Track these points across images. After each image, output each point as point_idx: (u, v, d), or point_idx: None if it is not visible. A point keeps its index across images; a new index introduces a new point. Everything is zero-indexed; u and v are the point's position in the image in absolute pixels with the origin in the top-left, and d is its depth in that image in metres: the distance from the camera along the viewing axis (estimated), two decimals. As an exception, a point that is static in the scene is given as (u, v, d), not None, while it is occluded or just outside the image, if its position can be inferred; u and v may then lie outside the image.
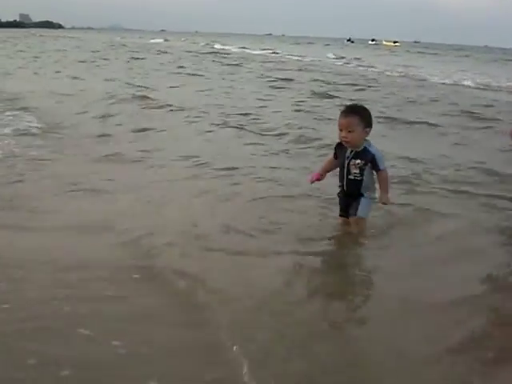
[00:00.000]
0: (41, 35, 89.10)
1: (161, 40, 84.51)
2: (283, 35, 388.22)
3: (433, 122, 12.34)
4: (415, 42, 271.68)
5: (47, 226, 5.23)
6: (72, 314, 3.54)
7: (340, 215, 5.31)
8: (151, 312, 3.64)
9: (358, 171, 4.98)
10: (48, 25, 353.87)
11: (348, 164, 5.01)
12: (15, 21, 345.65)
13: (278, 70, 28.58)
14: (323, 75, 26.04)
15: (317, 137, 10.02)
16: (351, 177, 5.03)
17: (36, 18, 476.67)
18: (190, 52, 47.09)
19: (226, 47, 61.04)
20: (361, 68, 34.29)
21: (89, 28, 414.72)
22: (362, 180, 5.00)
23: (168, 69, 28.00)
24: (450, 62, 48.35)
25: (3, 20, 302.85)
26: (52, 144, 9.12)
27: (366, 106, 5.13)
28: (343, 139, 4.92)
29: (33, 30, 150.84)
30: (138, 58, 35.04)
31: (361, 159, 4.94)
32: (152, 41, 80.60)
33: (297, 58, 43.90)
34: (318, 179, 5.30)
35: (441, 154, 8.94)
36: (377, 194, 5.08)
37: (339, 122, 4.93)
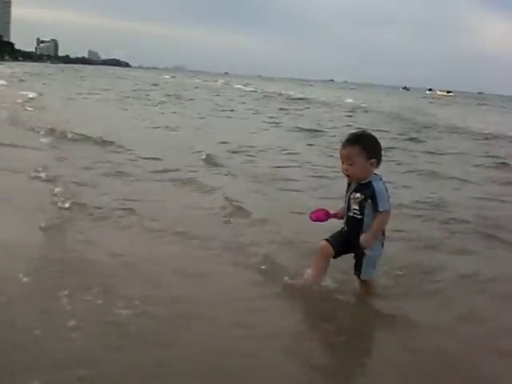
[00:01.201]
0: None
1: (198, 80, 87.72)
2: (346, 81, 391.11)
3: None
4: (479, 92, 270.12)
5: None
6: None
7: (325, 239, 4.45)
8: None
9: (357, 207, 4.33)
10: (115, 63, 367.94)
11: (349, 198, 4.41)
12: (84, 57, 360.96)
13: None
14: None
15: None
16: (351, 214, 4.39)
17: (104, 55, 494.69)
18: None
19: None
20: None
21: (154, 67, 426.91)
22: (362, 219, 4.32)
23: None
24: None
25: (72, 56, 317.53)
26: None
27: (371, 133, 4.60)
28: (344, 172, 4.37)
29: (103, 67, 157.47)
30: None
31: (361, 193, 4.30)
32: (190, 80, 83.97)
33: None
34: (323, 218, 4.63)
35: None
36: (381, 246, 4.42)
37: (340, 154, 4.39)
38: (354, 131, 4.73)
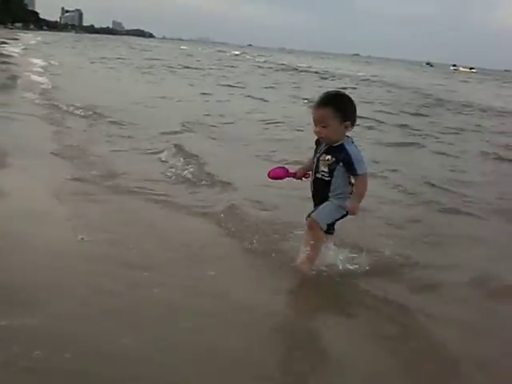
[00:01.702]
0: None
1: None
2: (370, 56, 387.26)
3: None
4: (506, 70, 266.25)
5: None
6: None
7: (308, 215, 4.31)
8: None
9: (326, 169, 4.15)
10: (139, 33, 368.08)
11: (318, 159, 4.24)
12: (108, 27, 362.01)
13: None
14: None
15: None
16: (318, 175, 4.22)
17: (128, 26, 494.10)
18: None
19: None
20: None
21: (178, 39, 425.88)
22: (329, 182, 4.17)
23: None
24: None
25: (97, 26, 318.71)
26: None
27: (346, 94, 4.38)
28: (317, 134, 4.19)
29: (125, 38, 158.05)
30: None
31: (332, 155, 4.13)
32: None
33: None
34: (282, 176, 4.47)
35: None
36: (344, 202, 4.19)
37: (312, 116, 4.20)
38: (328, 91, 4.42)
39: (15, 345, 2.82)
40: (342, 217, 4.26)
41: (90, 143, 8.43)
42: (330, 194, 4.19)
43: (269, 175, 4.47)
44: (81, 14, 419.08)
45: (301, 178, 4.49)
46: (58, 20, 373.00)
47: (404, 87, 32.38)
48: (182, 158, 7.70)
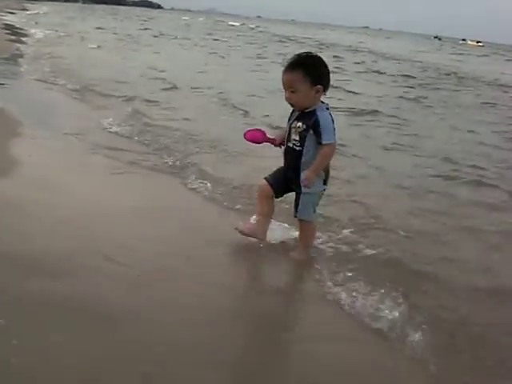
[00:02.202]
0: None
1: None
2: (381, 29, 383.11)
3: None
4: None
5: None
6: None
7: (265, 178, 4.14)
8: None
9: (297, 138, 3.89)
10: (147, 4, 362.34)
11: (290, 126, 3.99)
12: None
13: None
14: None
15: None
16: (290, 144, 3.97)
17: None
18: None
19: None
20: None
21: (187, 10, 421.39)
22: (300, 152, 3.90)
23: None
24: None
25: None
26: None
27: (317, 55, 4.04)
28: (287, 100, 3.93)
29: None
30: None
31: (303, 122, 3.87)
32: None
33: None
34: (259, 140, 4.22)
35: None
36: (323, 184, 4.01)
37: (282, 81, 3.93)
38: (298, 53, 4.03)
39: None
40: (320, 197, 4.11)
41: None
42: (302, 167, 3.91)
43: (245, 136, 4.21)
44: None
45: (280, 146, 4.17)
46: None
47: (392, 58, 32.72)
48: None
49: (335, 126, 3.92)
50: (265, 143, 4.25)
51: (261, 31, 60.41)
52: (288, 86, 3.87)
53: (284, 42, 40.05)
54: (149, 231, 4.17)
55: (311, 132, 3.84)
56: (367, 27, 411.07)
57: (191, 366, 2.67)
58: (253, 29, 66.69)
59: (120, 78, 12.69)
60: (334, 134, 3.88)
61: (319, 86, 3.85)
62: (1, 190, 4.45)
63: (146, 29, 39.19)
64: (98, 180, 5.32)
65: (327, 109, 3.93)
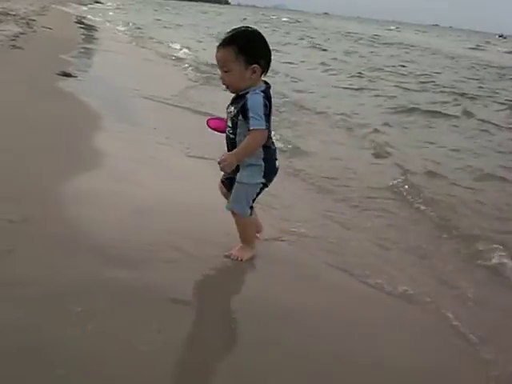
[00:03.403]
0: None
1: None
2: (451, 27, 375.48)
3: None
4: None
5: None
6: None
7: (221, 180, 3.78)
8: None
9: (230, 125, 3.50)
10: (216, 0, 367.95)
11: (227, 112, 3.58)
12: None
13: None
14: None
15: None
16: (227, 131, 3.56)
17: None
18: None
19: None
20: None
21: (253, 6, 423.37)
22: (234, 140, 3.48)
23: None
24: None
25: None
26: None
27: (254, 30, 3.53)
28: (222, 81, 3.51)
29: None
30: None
31: (235, 106, 3.46)
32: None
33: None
34: (223, 129, 3.67)
35: None
36: (262, 176, 3.53)
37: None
38: (234, 28, 3.56)
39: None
40: (261, 190, 3.60)
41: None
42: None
43: (208, 124, 3.79)
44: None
45: None
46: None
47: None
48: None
49: (270, 111, 3.42)
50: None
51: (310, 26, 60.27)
52: (221, 65, 3.43)
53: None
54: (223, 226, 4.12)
55: (241, 117, 3.39)
56: (437, 25, 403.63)
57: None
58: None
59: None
60: (265, 120, 3.34)
61: (255, 66, 3.36)
62: (81, 182, 4.50)
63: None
64: (176, 173, 5.27)
65: (263, 91, 3.40)
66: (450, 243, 4.66)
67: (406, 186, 5.98)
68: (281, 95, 11.08)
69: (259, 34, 3.49)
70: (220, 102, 6.87)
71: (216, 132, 3.75)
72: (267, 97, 3.41)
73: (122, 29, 27.44)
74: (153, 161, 5.67)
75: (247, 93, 3.38)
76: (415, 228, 4.95)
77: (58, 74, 9.40)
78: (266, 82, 3.49)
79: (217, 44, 3.47)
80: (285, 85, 13.30)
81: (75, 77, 9.62)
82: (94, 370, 2.36)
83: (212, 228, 4.06)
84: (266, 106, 3.36)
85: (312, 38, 36.82)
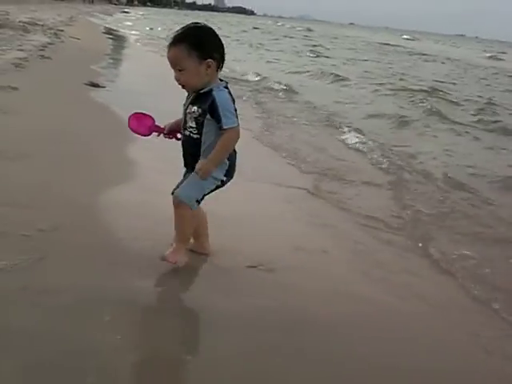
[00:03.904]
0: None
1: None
2: (476, 37, 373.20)
3: None
4: None
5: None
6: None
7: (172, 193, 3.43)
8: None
9: (194, 125, 3.32)
10: (241, 10, 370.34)
11: (185, 112, 3.40)
12: (210, 4, 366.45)
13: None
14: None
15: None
16: (187, 132, 3.38)
17: (231, 3, 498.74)
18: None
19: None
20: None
21: (279, 16, 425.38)
22: (198, 140, 3.32)
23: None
24: None
25: (199, 3, 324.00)
26: None
27: (204, 25, 3.43)
28: (177, 81, 3.35)
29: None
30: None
31: (199, 105, 3.30)
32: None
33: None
34: (143, 133, 3.58)
35: None
36: (224, 174, 3.39)
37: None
38: (184, 25, 3.41)
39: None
40: (217, 188, 3.46)
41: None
42: (200, 160, 3.33)
43: (130, 126, 3.56)
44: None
45: (171, 137, 3.59)
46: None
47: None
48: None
49: (236, 106, 3.33)
50: (154, 134, 3.60)
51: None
52: (174, 65, 3.28)
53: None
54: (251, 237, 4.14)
55: (208, 117, 3.25)
56: (463, 35, 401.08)
57: None
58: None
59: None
60: (236, 116, 3.28)
61: (210, 60, 3.24)
62: (110, 192, 4.56)
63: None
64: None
65: (226, 87, 3.35)
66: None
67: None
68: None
69: (210, 28, 3.40)
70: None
71: (138, 134, 3.60)
72: (230, 93, 3.35)
73: (149, 38, 27.75)
74: (180, 171, 5.66)
75: (211, 90, 3.26)
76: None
77: (86, 84, 9.53)
78: (221, 80, 3.39)
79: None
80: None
81: (103, 87, 9.75)
82: (123, 379, 2.39)
83: (240, 238, 4.09)
84: (233, 101, 3.32)
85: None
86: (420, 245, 4.62)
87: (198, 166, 3.26)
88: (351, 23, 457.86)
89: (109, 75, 11.79)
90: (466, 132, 10.81)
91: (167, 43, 3.34)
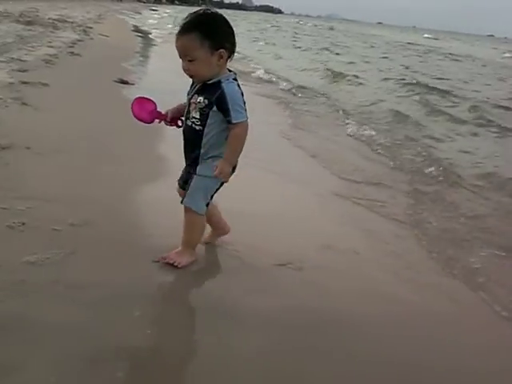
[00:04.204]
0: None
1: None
2: (505, 37, 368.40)
3: None
4: None
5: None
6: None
7: (178, 184, 3.46)
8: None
9: (197, 115, 3.17)
10: (268, 9, 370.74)
11: (189, 101, 3.26)
12: (237, 3, 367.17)
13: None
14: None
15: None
16: (189, 122, 3.23)
17: (258, 1, 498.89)
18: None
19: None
20: None
21: (306, 15, 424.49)
22: (201, 132, 3.17)
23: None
24: None
25: (226, 1, 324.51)
26: None
27: (216, 13, 3.23)
28: (185, 71, 3.17)
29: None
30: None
31: (205, 96, 3.14)
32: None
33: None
34: (145, 119, 3.43)
35: None
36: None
37: (176, 49, 3.17)
38: (194, 12, 3.21)
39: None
40: (223, 183, 3.31)
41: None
42: (201, 155, 3.21)
43: (134, 112, 3.42)
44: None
45: (173, 124, 3.45)
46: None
47: None
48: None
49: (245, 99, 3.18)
50: (156, 121, 3.45)
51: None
52: (184, 54, 3.10)
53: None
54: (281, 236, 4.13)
55: (215, 109, 3.10)
56: (492, 35, 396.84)
57: None
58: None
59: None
60: (245, 110, 3.14)
61: (222, 50, 3.09)
62: (143, 188, 4.57)
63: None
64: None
65: (235, 79, 3.18)
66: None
67: None
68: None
69: (221, 15, 3.20)
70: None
71: (140, 121, 3.45)
72: (239, 85, 3.20)
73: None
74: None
75: (219, 81, 3.11)
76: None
77: (116, 82, 9.59)
78: (230, 70, 3.24)
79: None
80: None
81: (132, 84, 9.81)
82: (152, 374, 2.40)
83: (269, 237, 4.09)
84: (242, 94, 3.17)
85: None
86: (449, 251, 4.56)
87: (217, 171, 3.10)
88: (379, 22, 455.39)
89: (138, 72, 11.84)
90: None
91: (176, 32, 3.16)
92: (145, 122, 3.44)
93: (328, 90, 14.13)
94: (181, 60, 3.13)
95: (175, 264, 3.28)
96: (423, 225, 5.10)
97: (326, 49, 30.39)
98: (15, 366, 2.26)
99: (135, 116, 3.41)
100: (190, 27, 3.07)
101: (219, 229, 3.68)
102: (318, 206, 5.20)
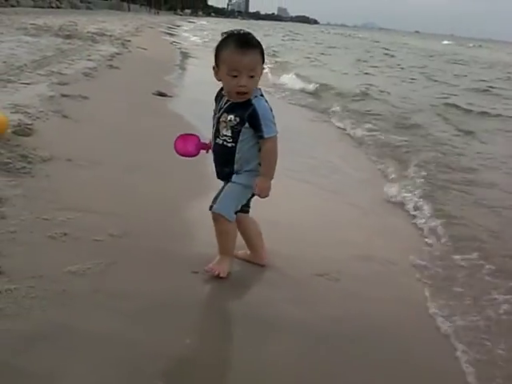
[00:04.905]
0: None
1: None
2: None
3: None
4: None
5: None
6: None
7: (210, 207, 3.29)
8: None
9: (229, 133, 3.17)
10: (304, 19, 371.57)
11: (218, 120, 3.23)
12: (273, 14, 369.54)
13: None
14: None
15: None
16: (219, 141, 3.23)
17: (294, 12, 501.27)
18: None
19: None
20: None
21: (342, 25, 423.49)
22: (233, 149, 3.19)
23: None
24: None
25: (262, 13, 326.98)
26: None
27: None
28: (241, 89, 3.07)
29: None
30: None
31: (236, 114, 3.14)
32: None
33: None
34: (193, 152, 3.47)
35: None
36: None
37: (236, 63, 3.02)
38: (232, 30, 3.18)
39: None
40: (253, 195, 3.33)
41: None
42: (235, 169, 3.22)
43: (176, 149, 3.46)
44: (247, 1, 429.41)
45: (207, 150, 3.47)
46: (225, 7, 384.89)
47: None
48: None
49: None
50: (202, 151, 3.47)
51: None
52: (250, 69, 3.04)
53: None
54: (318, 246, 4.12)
55: (247, 126, 3.12)
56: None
57: None
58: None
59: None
60: (275, 124, 3.16)
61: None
62: (183, 200, 4.63)
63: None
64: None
65: (262, 95, 3.19)
66: None
67: None
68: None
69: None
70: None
71: (185, 157, 3.50)
72: (267, 100, 3.22)
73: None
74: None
75: (249, 99, 3.12)
76: None
77: (154, 94, 9.71)
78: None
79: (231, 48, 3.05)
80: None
81: (170, 96, 9.91)
82: (192, 383, 2.42)
83: (307, 246, 4.10)
84: (271, 110, 3.19)
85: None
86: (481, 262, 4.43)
87: (258, 190, 3.16)
88: (416, 31, 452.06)
89: (177, 85, 11.95)
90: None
91: (236, 46, 3.04)
92: (190, 156, 3.47)
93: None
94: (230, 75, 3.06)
95: (221, 275, 3.28)
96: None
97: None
98: (57, 374, 2.29)
99: (179, 153, 3.46)
100: (254, 44, 3.09)
101: (256, 256, 3.62)
102: (360, 216, 5.20)
